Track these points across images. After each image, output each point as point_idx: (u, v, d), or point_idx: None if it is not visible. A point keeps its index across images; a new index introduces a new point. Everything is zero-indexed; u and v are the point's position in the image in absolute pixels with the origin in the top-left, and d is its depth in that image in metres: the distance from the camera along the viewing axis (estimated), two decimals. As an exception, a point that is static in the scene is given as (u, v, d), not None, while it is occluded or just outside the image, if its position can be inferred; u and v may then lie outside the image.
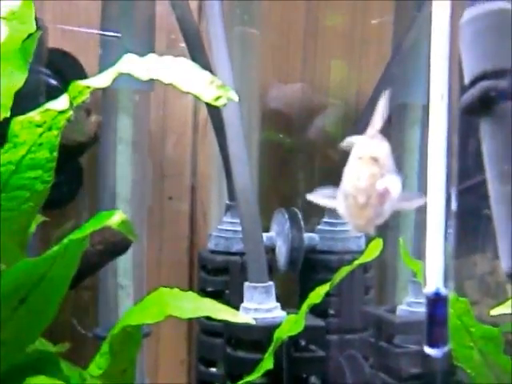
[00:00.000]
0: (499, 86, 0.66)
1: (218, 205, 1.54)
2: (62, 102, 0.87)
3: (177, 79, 0.82)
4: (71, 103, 0.88)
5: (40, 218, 1.18)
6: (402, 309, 1.27)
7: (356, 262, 1.07)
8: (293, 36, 1.80)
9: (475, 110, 0.67)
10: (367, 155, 0.75)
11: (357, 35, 1.82)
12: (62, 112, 0.89)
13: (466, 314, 1.04)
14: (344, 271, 1.06)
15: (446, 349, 0.60)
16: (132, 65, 0.85)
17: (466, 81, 0.69)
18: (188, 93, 0.84)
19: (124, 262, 1.38)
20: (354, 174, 0.74)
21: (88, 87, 0.86)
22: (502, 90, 0.66)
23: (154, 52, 1.44)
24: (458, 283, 1.43)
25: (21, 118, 0.89)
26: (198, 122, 1.72)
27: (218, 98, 0.82)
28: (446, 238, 0.60)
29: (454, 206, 0.61)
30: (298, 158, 1.71)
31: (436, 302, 0.59)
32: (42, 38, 1.15)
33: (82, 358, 1.28)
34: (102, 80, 0.85)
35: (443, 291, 0.59)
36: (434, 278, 0.59)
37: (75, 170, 1.47)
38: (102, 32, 1.44)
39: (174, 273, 1.72)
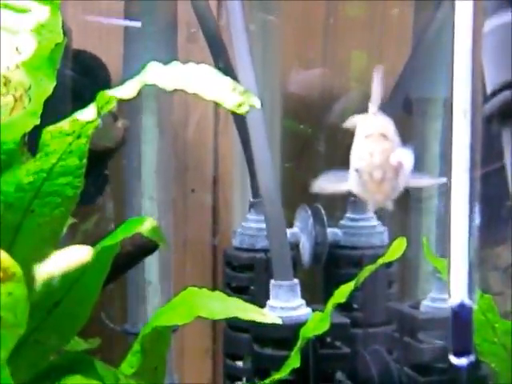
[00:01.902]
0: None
1: (241, 196, 1.56)
2: (89, 112, 0.89)
3: (200, 88, 0.84)
4: (99, 113, 0.90)
5: (70, 220, 1.22)
6: (425, 304, 1.28)
7: (379, 261, 1.09)
8: (313, 24, 1.80)
9: (497, 119, 0.68)
10: (376, 132, 0.77)
11: (377, 24, 1.82)
12: (90, 121, 0.92)
13: (490, 309, 1.06)
14: (368, 270, 1.08)
15: (471, 358, 0.62)
16: (156, 75, 0.87)
17: (488, 90, 0.70)
18: (211, 100, 0.86)
19: (151, 258, 1.41)
20: (366, 152, 0.75)
21: (114, 97, 0.88)
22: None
23: (176, 46, 1.50)
24: (481, 275, 1.44)
25: (51, 127, 0.92)
26: (219, 114, 1.74)
27: (240, 105, 0.84)
28: (469, 251, 0.62)
29: (477, 220, 0.63)
30: (320, 147, 1.72)
31: (461, 314, 0.60)
32: (67, 41, 1.17)
33: (111, 352, 1.31)
34: (127, 90, 0.87)
35: (468, 302, 0.61)
36: (459, 290, 0.60)
37: (102, 167, 1.50)
38: (123, 22, 1.46)
39: (198, 265, 1.75)
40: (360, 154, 0.76)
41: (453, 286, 0.61)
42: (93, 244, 1.10)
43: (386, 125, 0.80)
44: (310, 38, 1.79)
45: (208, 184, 1.76)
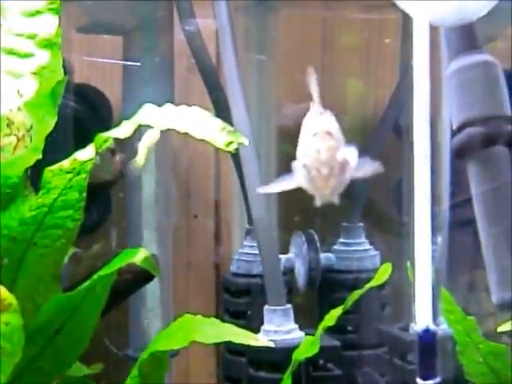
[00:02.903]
0: (484, 132, 0.71)
1: (242, 221, 1.61)
2: (88, 152, 0.95)
3: (191, 128, 0.89)
4: (96, 152, 0.96)
5: (72, 249, 1.27)
6: (413, 327, 1.32)
7: (366, 286, 1.13)
8: (309, 54, 1.86)
9: (463, 154, 0.73)
10: (322, 130, 0.80)
11: (372, 53, 1.87)
12: (88, 159, 0.97)
13: (474, 331, 1.10)
14: (356, 295, 1.13)
15: (437, 381, 0.66)
16: (150, 116, 0.93)
17: (454, 127, 0.75)
18: (201, 140, 0.91)
19: (152, 284, 1.46)
20: (313, 149, 0.78)
21: (111, 138, 0.94)
22: (486, 136, 0.71)
23: (173, 77, 1.55)
24: (473, 296, 1.47)
25: (52, 167, 0.98)
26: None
27: (229, 144, 0.89)
28: (433, 278, 0.66)
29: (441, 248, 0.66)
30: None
31: (426, 339, 0.64)
32: (68, 76, 1.23)
33: (113, 376, 1.35)
34: (123, 131, 0.93)
35: (432, 328, 0.65)
36: (424, 316, 0.64)
37: (104, 198, 1.55)
38: (123, 62, 1.52)
39: (201, 289, 1.79)
40: (307, 150, 0.79)
41: (418, 312, 0.66)
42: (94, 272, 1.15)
43: (331, 123, 0.83)
44: (305, 70, 1.85)
45: (210, 209, 1.81)
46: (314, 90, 0.88)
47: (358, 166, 0.79)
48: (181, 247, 1.73)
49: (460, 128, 0.73)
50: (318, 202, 0.80)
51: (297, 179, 0.80)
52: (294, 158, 1.85)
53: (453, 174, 0.95)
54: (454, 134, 0.75)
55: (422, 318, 0.65)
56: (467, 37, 0.72)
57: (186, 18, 1.41)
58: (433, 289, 0.66)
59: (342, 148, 0.79)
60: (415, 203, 0.68)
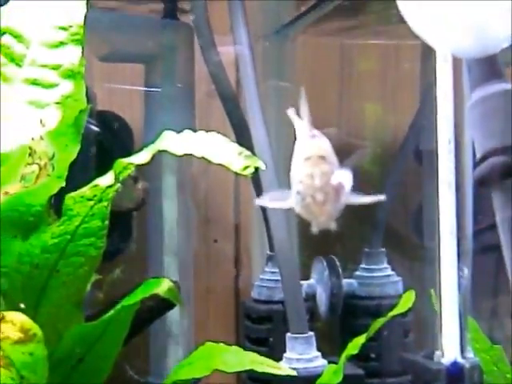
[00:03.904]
0: (507, 162, 0.71)
1: (262, 245, 1.60)
2: (108, 179, 0.96)
3: (208, 153, 0.90)
4: (117, 178, 0.96)
5: (95, 276, 1.27)
6: (438, 354, 1.30)
7: (390, 314, 1.12)
8: (327, 81, 1.87)
9: (486, 183, 0.72)
10: (315, 154, 0.78)
11: (390, 79, 1.87)
12: (109, 186, 0.98)
13: (501, 360, 1.07)
14: (379, 322, 1.11)
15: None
16: (169, 142, 0.93)
17: (478, 156, 0.75)
18: (219, 164, 0.91)
19: (172, 311, 1.46)
20: (307, 174, 0.76)
21: (131, 164, 0.95)
22: (509, 166, 0.71)
23: (193, 102, 1.56)
24: (496, 323, 1.45)
25: (73, 193, 0.99)
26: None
27: (246, 168, 0.89)
28: (460, 311, 0.65)
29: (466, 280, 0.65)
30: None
31: (454, 372, 0.63)
32: (91, 105, 1.24)
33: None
34: (142, 157, 0.94)
35: (460, 361, 0.63)
36: (451, 348, 0.63)
37: (125, 224, 1.56)
38: (144, 88, 1.54)
39: (221, 314, 1.79)
40: (300, 176, 0.77)
41: (445, 345, 0.65)
42: (115, 297, 1.15)
43: (324, 147, 0.81)
44: (325, 95, 1.86)
45: (230, 234, 1.81)
46: (305, 112, 0.86)
47: (355, 196, 0.78)
48: (200, 272, 1.73)
49: (483, 158, 0.73)
50: (314, 229, 0.78)
51: (291, 203, 0.78)
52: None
53: (475, 200, 0.94)
54: (477, 163, 0.74)
55: (450, 351, 0.64)
56: (489, 66, 0.72)
57: (207, 47, 1.43)
58: (460, 321, 0.64)
59: (336, 171, 0.77)
60: (440, 236, 0.68)
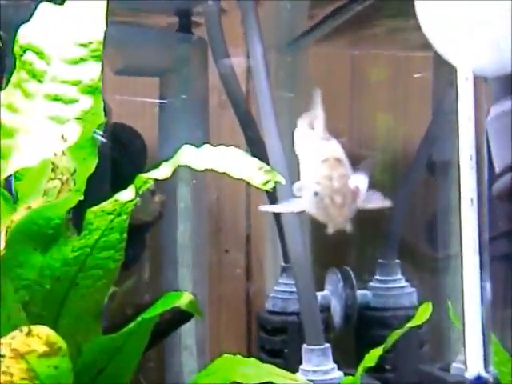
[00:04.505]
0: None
1: (274, 254, 1.61)
2: (129, 193, 0.97)
3: (229, 168, 0.91)
4: (137, 193, 0.97)
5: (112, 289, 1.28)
6: (456, 367, 1.30)
7: (406, 326, 1.12)
8: (339, 91, 1.88)
9: (506, 197, 0.73)
10: (332, 157, 0.80)
11: (401, 89, 1.88)
12: (129, 201, 0.99)
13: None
14: (396, 334, 1.12)
15: (488, 428, 0.65)
16: (190, 157, 0.94)
17: (497, 170, 0.75)
18: (240, 179, 0.92)
19: (187, 323, 1.47)
20: (325, 176, 0.78)
21: (151, 179, 0.96)
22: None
23: (207, 114, 1.58)
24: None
25: (94, 208, 1.00)
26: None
27: (266, 183, 0.90)
28: (483, 326, 0.65)
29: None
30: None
31: (478, 385, 0.64)
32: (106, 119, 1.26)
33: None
34: (163, 172, 0.95)
35: (484, 375, 0.64)
36: (475, 362, 0.64)
37: (140, 236, 1.57)
38: (157, 100, 1.56)
39: (232, 324, 1.79)
40: (318, 178, 0.78)
41: (469, 359, 0.65)
42: (130, 307, 1.16)
43: (339, 149, 0.82)
44: (336, 105, 1.87)
45: (241, 244, 1.82)
46: (320, 114, 0.87)
47: (366, 198, 0.79)
48: (212, 282, 1.74)
49: (502, 172, 0.74)
50: (330, 230, 0.79)
51: (304, 204, 0.80)
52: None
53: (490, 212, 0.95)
54: (496, 177, 0.75)
55: (473, 365, 0.65)
56: (507, 82, 0.73)
57: (220, 58, 1.44)
58: (483, 334, 0.65)
59: (353, 176, 0.79)
60: (463, 253, 0.68)
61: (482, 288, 0.66)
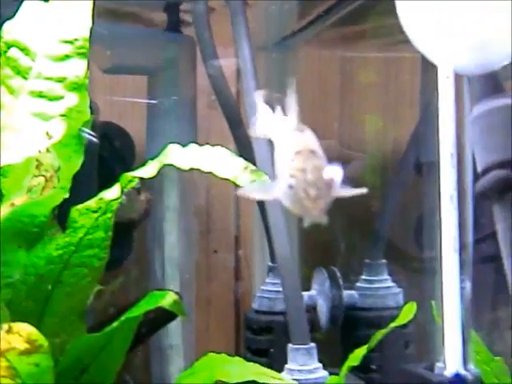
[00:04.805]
0: (508, 176, 0.72)
1: (262, 255, 1.61)
2: (114, 192, 0.97)
3: (214, 168, 0.91)
4: (122, 191, 0.97)
5: (97, 287, 1.28)
6: (440, 366, 1.30)
7: (390, 325, 1.12)
8: (329, 92, 1.88)
9: (488, 196, 0.73)
10: (306, 149, 0.77)
11: (391, 90, 1.89)
12: (114, 199, 0.99)
13: (502, 372, 1.08)
14: (380, 334, 1.12)
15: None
16: (175, 156, 0.94)
17: (479, 169, 0.76)
18: (225, 179, 0.92)
19: (173, 322, 1.46)
20: (299, 169, 0.76)
21: (136, 177, 0.96)
22: (510, 179, 0.72)
23: (195, 114, 1.58)
24: (498, 335, 1.45)
25: (79, 206, 1.00)
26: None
27: (252, 182, 0.90)
28: (462, 324, 0.65)
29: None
30: (337, 212, 1.77)
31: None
32: (94, 117, 1.26)
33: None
34: (148, 171, 0.95)
35: (463, 373, 0.64)
36: (453, 360, 0.64)
37: (126, 234, 1.57)
38: (145, 100, 1.56)
39: (221, 324, 1.79)
40: (292, 171, 0.76)
41: (448, 357, 0.65)
42: (117, 307, 1.16)
43: (313, 140, 0.80)
44: (326, 105, 1.87)
45: (230, 245, 1.82)
46: (293, 104, 0.85)
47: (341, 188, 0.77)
48: (201, 282, 1.74)
49: (485, 171, 0.74)
50: (306, 223, 0.77)
51: (277, 195, 0.78)
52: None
53: (475, 212, 0.95)
54: (478, 176, 0.75)
55: (452, 363, 0.65)
56: (489, 81, 0.73)
57: (208, 59, 1.44)
58: (462, 333, 0.65)
59: (328, 167, 0.77)
60: (442, 250, 0.68)
61: (461, 285, 0.66)
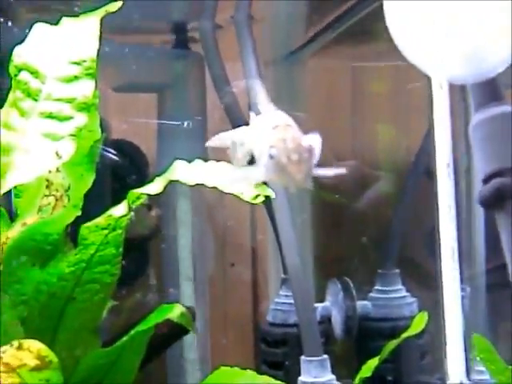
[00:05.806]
0: (510, 184, 0.72)
1: (277, 269, 1.61)
2: (122, 209, 0.98)
3: (220, 183, 0.92)
4: (130, 208, 0.99)
5: (111, 303, 1.29)
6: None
7: (403, 335, 1.12)
8: (339, 103, 1.89)
9: (491, 204, 0.73)
10: (282, 123, 0.81)
11: (402, 99, 1.89)
12: (123, 215, 1.00)
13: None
14: (392, 344, 1.12)
15: None
16: (181, 172, 0.96)
17: (480, 178, 0.76)
18: (229, 193, 0.93)
19: (189, 336, 1.47)
20: (278, 139, 0.78)
21: (144, 194, 0.97)
22: (512, 187, 0.72)
23: (206, 130, 1.59)
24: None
25: (88, 223, 1.01)
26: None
27: (256, 197, 0.91)
28: (464, 335, 0.65)
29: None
30: (350, 223, 1.76)
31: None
32: (105, 134, 1.27)
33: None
34: (155, 187, 0.96)
35: (466, 383, 0.64)
36: (456, 371, 0.64)
37: (142, 250, 1.59)
38: (158, 121, 1.58)
39: (239, 338, 1.79)
40: (272, 142, 0.79)
41: (450, 368, 0.65)
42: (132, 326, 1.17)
43: (287, 117, 0.83)
44: (336, 117, 1.87)
45: (247, 257, 1.82)
46: (261, 92, 0.89)
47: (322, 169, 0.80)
48: (218, 296, 1.74)
49: (487, 179, 0.74)
50: (292, 190, 0.78)
51: (262, 172, 0.80)
52: (327, 204, 1.83)
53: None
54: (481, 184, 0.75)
55: (455, 374, 0.65)
56: (489, 89, 0.74)
57: (217, 78, 1.46)
58: (464, 343, 0.65)
59: (306, 136, 0.80)
60: (442, 259, 0.68)
61: (462, 293, 0.66)
